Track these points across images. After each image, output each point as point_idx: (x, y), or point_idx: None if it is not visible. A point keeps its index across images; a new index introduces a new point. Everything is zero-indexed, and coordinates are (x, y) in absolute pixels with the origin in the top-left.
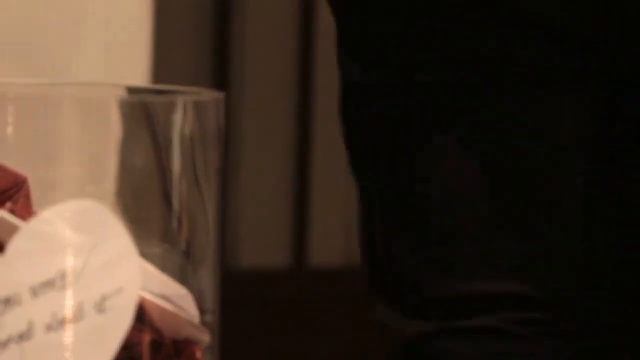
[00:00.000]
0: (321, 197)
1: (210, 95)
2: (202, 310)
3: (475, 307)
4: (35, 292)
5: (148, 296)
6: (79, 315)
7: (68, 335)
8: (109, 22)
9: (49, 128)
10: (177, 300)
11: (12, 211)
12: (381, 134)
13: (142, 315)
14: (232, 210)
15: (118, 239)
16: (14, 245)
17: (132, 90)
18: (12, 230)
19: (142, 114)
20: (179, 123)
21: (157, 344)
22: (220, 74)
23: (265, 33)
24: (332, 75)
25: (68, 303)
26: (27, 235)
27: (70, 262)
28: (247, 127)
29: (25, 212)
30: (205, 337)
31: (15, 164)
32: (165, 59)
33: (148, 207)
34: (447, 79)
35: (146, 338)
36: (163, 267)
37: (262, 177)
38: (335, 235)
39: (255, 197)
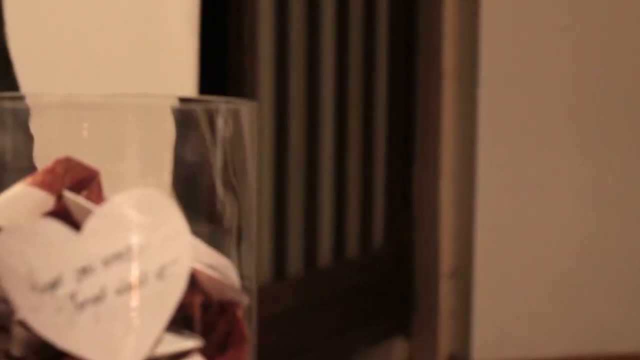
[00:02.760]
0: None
1: (245, 104)
2: (242, 277)
3: None
4: (106, 263)
5: (198, 266)
6: (142, 282)
7: (134, 298)
8: (161, 44)
9: (116, 131)
10: (221, 269)
11: (87, 197)
12: None
13: (193, 281)
14: None
15: (174, 219)
16: (89, 225)
17: (182, 100)
18: (87, 213)
19: (190, 119)
20: (221, 126)
21: (206, 305)
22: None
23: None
24: (331, 96)
25: (134, 272)
26: (99, 217)
27: (135, 239)
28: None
29: (98, 198)
30: (245, 299)
31: (89, 160)
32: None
33: (197, 195)
34: None
35: (197, 300)
36: (210, 242)
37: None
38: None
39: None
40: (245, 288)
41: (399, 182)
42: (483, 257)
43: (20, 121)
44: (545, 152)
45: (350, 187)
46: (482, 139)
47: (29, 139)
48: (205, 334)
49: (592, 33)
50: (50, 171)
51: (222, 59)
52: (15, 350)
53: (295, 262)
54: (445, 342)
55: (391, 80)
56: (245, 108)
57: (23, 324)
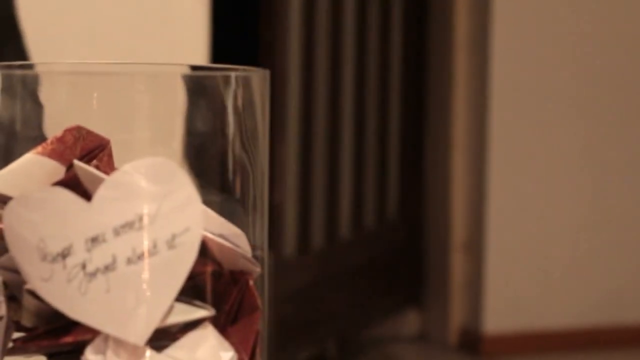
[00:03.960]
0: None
1: (257, 72)
2: (253, 247)
3: None
4: (117, 232)
5: (210, 235)
6: (153, 251)
7: (145, 267)
8: (171, 16)
9: (127, 100)
10: (233, 238)
11: (97, 167)
12: None
13: (205, 250)
14: None
15: (185, 188)
16: (100, 194)
17: (194, 68)
18: (98, 182)
19: (202, 87)
20: (232, 94)
21: (218, 274)
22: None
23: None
24: (357, 74)
25: (144, 241)
26: (110, 186)
27: (146, 208)
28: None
29: (109, 167)
30: (256, 269)
31: (99, 129)
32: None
33: (208, 163)
34: None
35: (208, 269)
36: (221, 212)
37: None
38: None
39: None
40: (256, 257)
41: (411, 155)
42: (495, 229)
43: (30, 90)
44: (558, 124)
45: (367, 161)
46: (494, 112)
47: (38, 107)
48: (216, 303)
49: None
50: (61, 140)
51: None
52: (26, 320)
53: (317, 234)
54: (457, 314)
55: (404, 54)
56: (256, 76)
57: (34, 294)
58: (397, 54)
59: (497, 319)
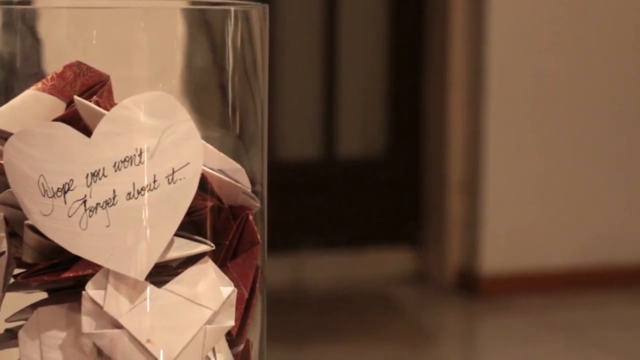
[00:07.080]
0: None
1: (257, 7)
2: (253, 183)
3: None
4: (117, 166)
5: (209, 170)
6: (153, 185)
7: (145, 201)
8: None
9: (126, 35)
10: (232, 174)
11: (97, 103)
12: None
13: (204, 185)
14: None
15: (184, 123)
16: (99, 129)
17: (193, 3)
18: (98, 117)
19: (201, 22)
20: (232, 29)
21: (218, 209)
22: None
23: None
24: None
25: (144, 175)
26: (110, 121)
27: (145, 142)
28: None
29: (108, 103)
30: (256, 204)
31: (99, 66)
32: None
33: (208, 99)
34: None
35: (208, 204)
36: (221, 147)
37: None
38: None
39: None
40: (256, 193)
41: (408, 92)
42: (493, 168)
43: (30, 25)
44: (557, 61)
45: (360, 97)
46: (492, 48)
47: (38, 43)
48: (216, 238)
49: None
50: (61, 76)
51: None
52: (27, 256)
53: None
54: (454, 254)
55: None
56: (256, 11)
57: (34, 229)
58: None
59: (495, 259)
